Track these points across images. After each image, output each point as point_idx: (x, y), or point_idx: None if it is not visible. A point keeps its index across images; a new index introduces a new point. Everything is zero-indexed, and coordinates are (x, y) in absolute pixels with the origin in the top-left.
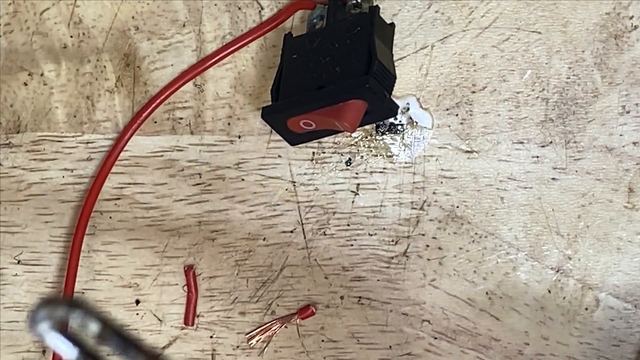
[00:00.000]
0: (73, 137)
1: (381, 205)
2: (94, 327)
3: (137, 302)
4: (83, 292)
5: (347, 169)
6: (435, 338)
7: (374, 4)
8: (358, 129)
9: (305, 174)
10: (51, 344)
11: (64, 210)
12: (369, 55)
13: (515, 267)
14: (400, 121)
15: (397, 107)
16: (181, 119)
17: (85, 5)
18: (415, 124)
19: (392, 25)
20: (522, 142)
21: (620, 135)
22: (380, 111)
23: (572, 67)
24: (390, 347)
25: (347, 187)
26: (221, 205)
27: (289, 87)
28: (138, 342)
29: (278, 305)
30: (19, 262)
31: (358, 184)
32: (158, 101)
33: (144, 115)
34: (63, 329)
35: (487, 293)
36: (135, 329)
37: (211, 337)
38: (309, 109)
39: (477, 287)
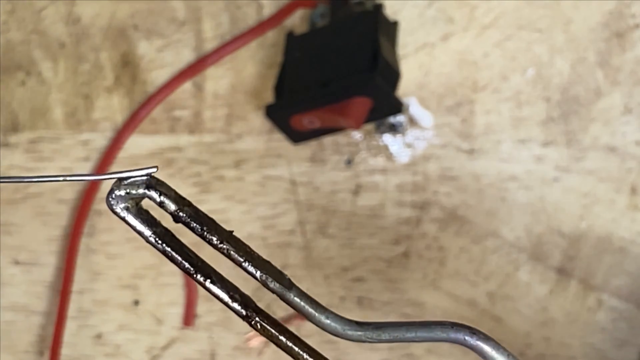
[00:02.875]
0: (71, 136)
1: (382, 205)
2: (171, 207)
3: (136, 302)
4: (82, 293)
5: (347, 169)
6: None
7: (377, 1)
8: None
9: (305, 173)
10: (127, 223)
11: (62, 210)
12: (373, 52)
13: (517, 267)
14: (400, 121)
15: (402, 103)
16: (180, 118)
17: (83, 4)
18: (415, 123)
19: (396, 23)
20: (523, 142)
21: (623, 134)
22: (386, 107)
23: (574, 65)
24: (390, 347)
25: (347, 187)
26: (221, 205)
27: (292, 84)
28: (212, 221)
29: (278, 305)
30: (16, 262)
31: (358, 184)
32: (157, 100)
33: (143, 114)
34: (139, 209)
35: (488, 294)
36: (134, 330)
37: (211, 337)
38: (314, 106)
39: (478, 287)
